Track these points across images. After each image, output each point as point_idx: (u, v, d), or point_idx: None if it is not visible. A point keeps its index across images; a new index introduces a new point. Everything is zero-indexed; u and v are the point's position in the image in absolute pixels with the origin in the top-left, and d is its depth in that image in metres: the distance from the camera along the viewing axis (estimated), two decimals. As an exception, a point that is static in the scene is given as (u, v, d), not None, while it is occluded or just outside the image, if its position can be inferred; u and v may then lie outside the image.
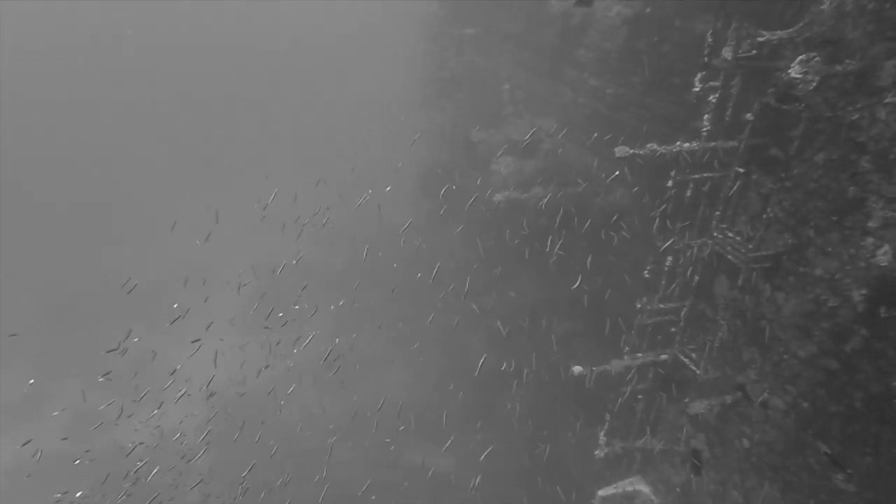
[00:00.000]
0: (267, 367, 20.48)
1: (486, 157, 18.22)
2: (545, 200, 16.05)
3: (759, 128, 8.81)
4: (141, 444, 19.34)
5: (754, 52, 8.21)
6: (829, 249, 8.14)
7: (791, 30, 8.09)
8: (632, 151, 8.78)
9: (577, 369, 10.42)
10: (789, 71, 7.69)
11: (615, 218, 12.72)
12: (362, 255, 21.39)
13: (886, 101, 7.39)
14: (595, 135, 15.88)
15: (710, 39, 8.38)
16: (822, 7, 7.96)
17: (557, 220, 15.60)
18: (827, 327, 8.20)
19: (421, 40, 23.55)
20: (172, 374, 16.98)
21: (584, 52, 16.55)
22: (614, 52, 15.21)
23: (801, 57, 7.54)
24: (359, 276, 23.47)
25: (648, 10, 13.97)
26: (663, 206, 9.54)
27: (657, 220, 9.98)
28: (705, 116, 8.89)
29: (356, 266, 23.84)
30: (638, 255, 13.75)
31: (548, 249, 15.68)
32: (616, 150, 8.85)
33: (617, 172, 13.44)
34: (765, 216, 8.92)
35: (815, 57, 7.42)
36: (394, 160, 22.16)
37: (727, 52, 8.32)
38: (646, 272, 10.20)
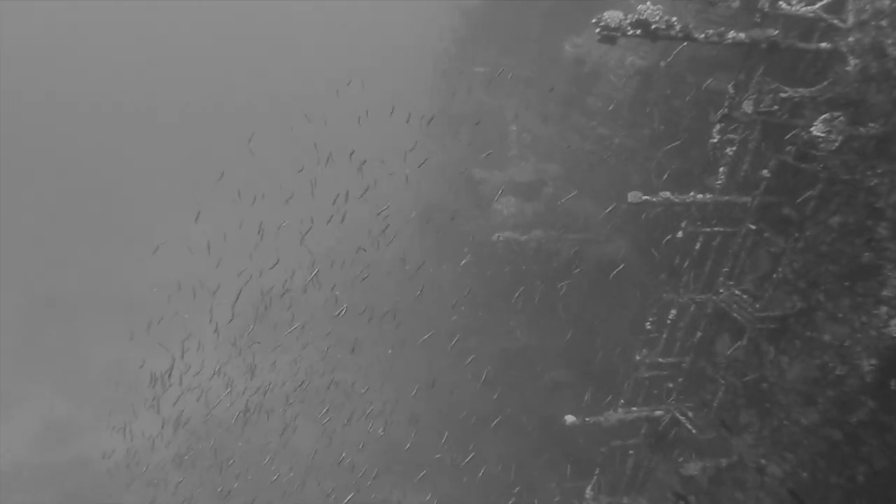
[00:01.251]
0: (243, 391, 19.93)
1: (487, 197, 18.09)
2: (544, 244, 15.88)
3: (774, 185, 8.66)
4: (109, 457, 18.71)
5: (776, 107, 8.09)
6: (840, 315, 7.90)
7: (814, 88, 7.99)
8: (645, 198, 8.58)
9: (569, 419, 10.04)
10: (811, 129, 7.56)
11: (619, 268, 12.47)
12: (351, 284, 21.08)
13: (907, 167, 7.26)
14: (600, 183, 15.81)
15: (731, 91, 8.26)
16: (847, 68, 7.88)
17: (556, 266, 15.40)
18: (832, 396, 7.90)
19: (431, 76, 23.63)
20: (153, 384, 16.45)
21: (593, 99, 16.56)
22: (625, 102, 15.22)
23: (824, 115, 7.42)
24: (347, 307, 23.04)
25: (662, 63, 14.00)
26: (675, 259, 9.29)
27: (662, 272, 9.75)
28: (720, 169, 8.73)
29: (345, 296, 23.42)
30: (635, 307, 13.52)
31: (540, 296, 15.44)
32: (629, 194, 8.65)
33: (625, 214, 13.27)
34: (774, 276, 8.69)
35: (839, 116, 7.29)
36: (395, 195, 21.99)
37: (748, 106, 8.20)
38: (647, 324, 9.91)
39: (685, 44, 13.58)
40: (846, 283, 7.81)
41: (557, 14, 18.09)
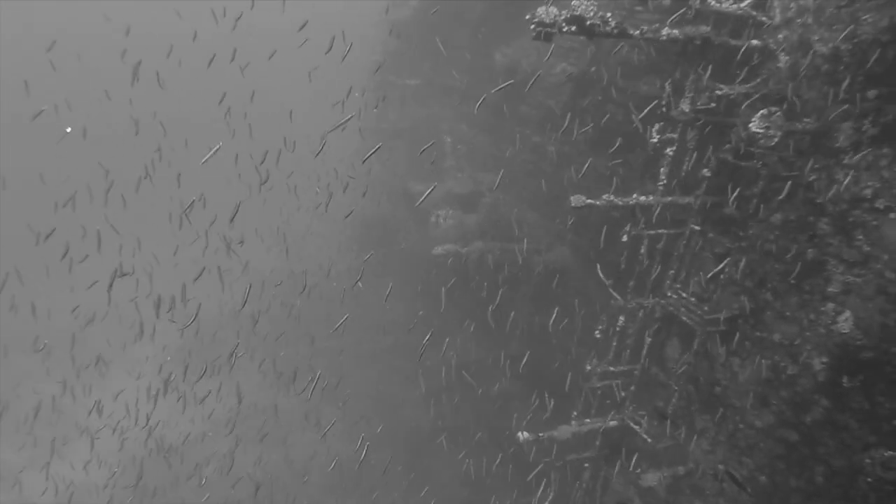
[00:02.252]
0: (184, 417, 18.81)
1: (425, 210, 17.62)
2: (486, 255, 15.49)
3: (715, 185, 8.46)
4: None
5: (713, 104, 7.89)
6: (788, 314, 7.71)
7: (748, 85, 7.83)
8: (588, 201, 8.24)
9: (522, 436, 9.59)
10: (749, 126, 7.36)
11: (560, 276, 12.15)
12: (294, 303, 20.26)
13: (844, 162, 7.13)
14: (538, 191, 15.54)
15: (668, 89, 8.03)
16: (779, 65, 7.75)
17: (499, 277, 15.01)
18: (786, 396, 7.69)
19: (363, 89, 23.07)
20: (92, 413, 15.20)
21: (526, 108, 16.34)
22: (558, 109, 15.02)
23: (762, 111, 7.23)
24: (288, 326, 22.18)
25: (593, 69, 13.86)
26: (620, 264, 8.98)
27: (608, 278, 9.42)
28: (661, 170, 8.48)
29: (286, 315, 22.51)
30: (582, 315, 13.23)
31: (485, 307, 15.04)
32: (572, 198, 8.30)
33: (566, 221, 12.99)
34: (720, 277, 8.48)
35: (776, 112, 7.11)
36: (332, 210, 21.32)
37: (685, 104, 7.98)
38: (596, 332, 9.57)
39: (617, 48, 13.69)
40: (792, 281, 7.64)
41: (486, 24, 17.86)
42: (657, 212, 8.85)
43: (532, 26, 7.49)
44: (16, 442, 20.49)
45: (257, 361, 21.60)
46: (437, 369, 17.45)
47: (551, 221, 14.95)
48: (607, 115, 13.05)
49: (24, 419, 21.15)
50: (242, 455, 18.53)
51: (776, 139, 7.13)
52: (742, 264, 8.26)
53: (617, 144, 11.81)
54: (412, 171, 19.64)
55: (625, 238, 8.85)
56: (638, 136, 12.11)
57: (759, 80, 7.84)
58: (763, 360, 7.85)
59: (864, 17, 7.02)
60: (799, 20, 7.77)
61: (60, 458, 19.31)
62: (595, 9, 7.38)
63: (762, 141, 7.26)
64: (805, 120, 7.35)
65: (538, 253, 14.52)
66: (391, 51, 21.44)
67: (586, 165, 13.18)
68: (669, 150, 8.44)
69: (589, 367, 9.60)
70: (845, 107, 7.12)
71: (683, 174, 8.64)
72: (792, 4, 7.86)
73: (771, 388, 7.85)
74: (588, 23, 7.35)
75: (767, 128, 7.14)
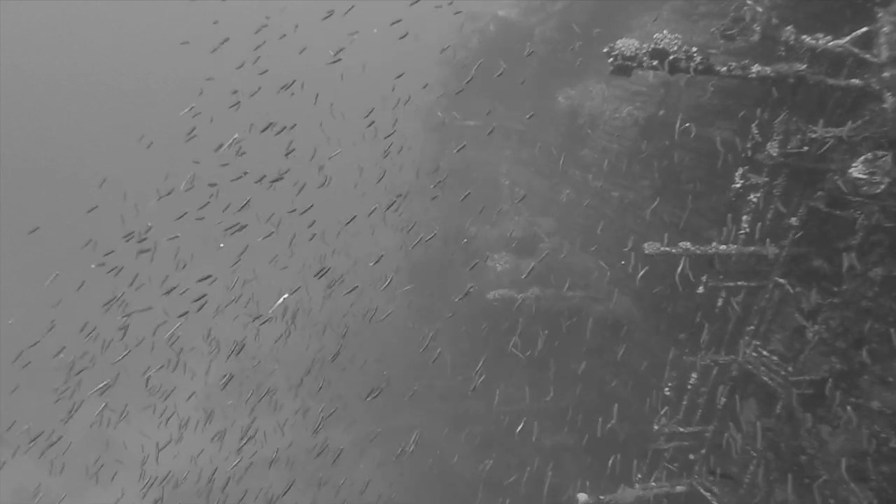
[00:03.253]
0: (233, 456, 18.43)
1: (481, 253, 17.13)
2: (542, 302, 14.84)
3: (803, 235, 7.73)
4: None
5: (805, 148, 7.23)
6: (891, 379, 6.85)
7: (848, 128, 7.15)
8: (664, 249, 7.61)
9: (581, 497, 8.79)
10: (850, 171, 6.67)
11: (625, 328, 11.40)
12: (339, 345, 19.86)
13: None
14: (599, 238, 14.91)
15: (754, 131, 7.41)
16: (884, 106, 7.06)
17: (555, 324, 14.32)
18: (888, 472, 6.78)
19: (422, 129, 22.99)
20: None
21: (588, 152, 15.83)
22: (622, 153, 14.47)
23: (866, 155, 6.54)
24: (334, 368, 21.74)
25: (662, 112, 13.31)
26: (695, 317, 8.26)
27: (679, 332, 8.70)
28: (744, 217, 7.80)
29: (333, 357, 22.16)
30: (643, 369, 12.42)
31: (539, 355, 14.33)
32: (645, 245, 7.68)
33: (627, 269, 12.30)
34: (809, 335, 7.67)
35: (884, 156, 6.41)
36: (386, 249, 21.07)
37: (773, 148, 7.34)
38: (666, 390, 8.79)
39: (682, 93, 13.13)
40: (894, 343, 6.80)
41: (549, 66, 17.55)
42: (736, 261, 8.15)
43: (610, 59, 7.02)
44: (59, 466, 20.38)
45: (306, 399, 21.25)
46: (485, 416, 16.71)
47: (612, 269, 14.26)
48: (676, 161, 12.45)
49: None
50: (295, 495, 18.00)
51: (883, 186, 6.41)
52: (834, 322, 7.45)
53: (689, 190, 11.19)
54: (468, 213, 19.22)
55: (701, 289, 8.13)
56: (710, 183, 11.47)
57: (860, 122, 7.16)
58: (860, 430, 6.98)
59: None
60: (905, 59, 7.11)
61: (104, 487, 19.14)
62: (679, 42, 6.88)
63: (865, 188, 6.55)
64: (914, 165, 6.62)
65: (598, 301, 13.82)
66: (450, 91, 21.33)
67: (651, 209, 12.56)
68: (753, 196, 7.77)
69: (656, 427, 8.80)
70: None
71: (768, 222, 7.93)
72: (897, 42, 7.21)
73: (869, 461, 6.95)
74: (671, 57, 6.85)
75: (873, 173, 6.44)
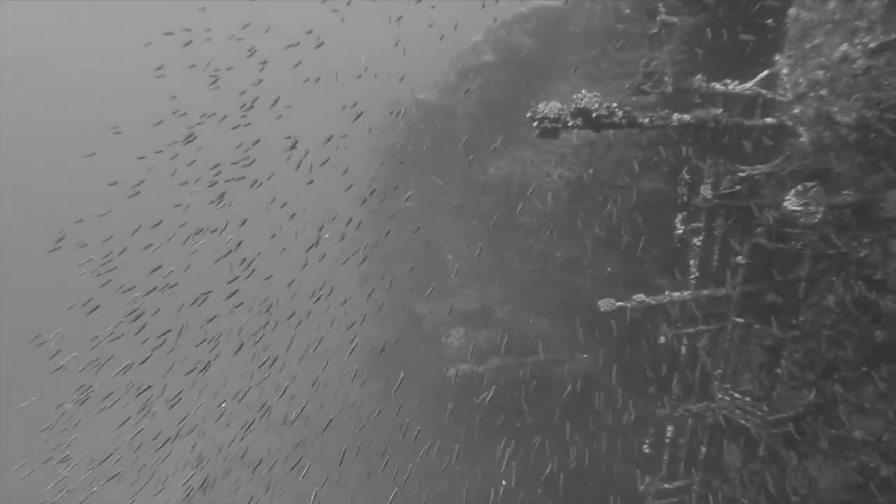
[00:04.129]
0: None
1: (435, 330, 16.67)
2: (503, 372, 14.39)
3: (752, 271, 7.63)
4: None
5: (737, 187, 7.21)
6: (867, 406, 6.64)
7: (773, 164, 7.19)
8: (619, 304, 7.35)
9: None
10: (784, 204, 6.64)
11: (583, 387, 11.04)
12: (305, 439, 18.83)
13: (899, 230, 6.35)
14: (548, 299, 14.70)
15: (686, 177, 7.37)
16: (801, 140, 7.15)
17: (520, 392, 13.84)
18: (887, 503, 6.47)
19: (360, 215, 22.76)
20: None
21: (527, 217, 15.82)
22: (559, 215, 14.49)
23: (797, 188, 6.52)
24: (305, 461, 20.50)
25: (591, 171, 13.45)
26: (661, 368, 7.97)
27: (647, 385, 8.39)
28: (691, 262, 7.67)
29: (299, 451, 20.88)
30: (623, 424, 11.99)
31: (509, 426, 13.77)
32: (600, 303, 7.41)
33: (583, 328, 12.04)
34: (777, 371, 7.46)
35: (813, 187, 6.40)
36: (336, 340, 20.28)
37: (706, 191, 7.30)
38: (645, 447, 8.38)
39: (609, 148, 13.35)
40: (864, 369, 6.63)
41: (476, 140, 17.71)
42: (692, 307, 7.97)
43: (535, 123, 6.91)
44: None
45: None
46: (468, 492, 15.84)
47: (567, 329, 14.00)
48: (613, 215, 12.48)
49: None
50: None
51: (819, 216, 6.37)
52: (798, 355, 7.28)
53: (631, 241, 11.14)
54: (417, 292, 18.83)
55: (662, 340, 7.89)
56: (650, 232, 11.48)
57: (782, 157, 7.21)
58: (847, 462, 6.69)
59: (886, 83, 6.50)
60: (812, 94, 7.26)
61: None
62: (599, 100, 6.85)
63: (802, 219, 6.50)
64: (844, 192, 6.64)
65: (559, 363, 13.47)
66: (383, 176, 21.28)
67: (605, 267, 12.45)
68: (696, 241, 7.68)
69: (642, 487, 8.33)
70: (885, 175, 6.44)
71: (715, 264, 7.83)
72: (801, 80, 7.38)
73: (863, 494, 6.64)
74: (594, 115, 6.79)
75: (806, 204, 6.41)
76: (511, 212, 16.25)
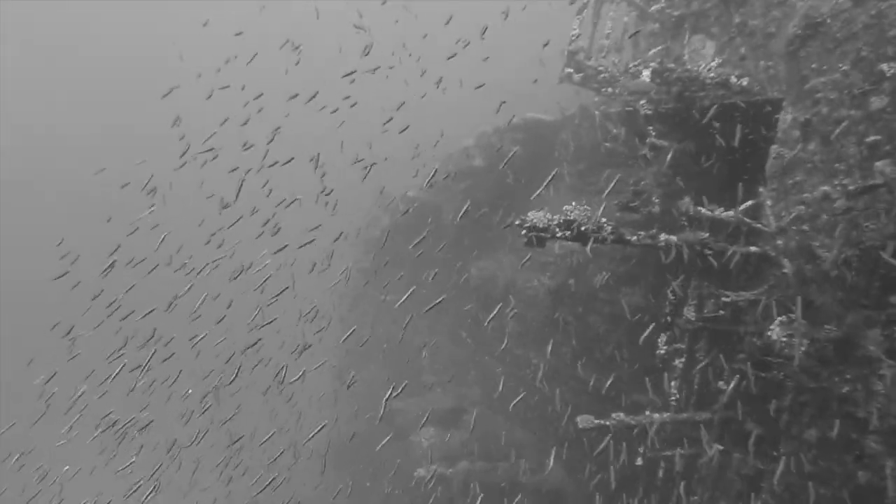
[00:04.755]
0: None
1: (405, 428, 16.05)
2: (472, 476, 13.74)
3: (733, 398, 7.45)
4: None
5: (721, 311, 7.15)
6: (850, 549, 6.31)
7: (757, 291, 7.18)
8: (597, 422, 7.09)
9: None
10: (769, 333, 6.56)
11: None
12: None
13: (881, 372, 6.26)
14: (526, 407, 14.28)
15: (671, 297, 7.32)
16: (784, 271, 7.17)
17: (488, 500, 13.16)
18: None
19: (339, 307, 22.48)
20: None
21: (505, 321, 15.65)
22: (538, 321, 14.35)
23: (781, 318, 6.47)
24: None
25: (572, 280, 13.44)
26: (638, 490, 7.60)
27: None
28: (672, 384, 7.48)
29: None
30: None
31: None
32: (579, 419, 7.14)
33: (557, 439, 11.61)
34: (758, 502, 7.13)
35: (798, 318, 6.36)
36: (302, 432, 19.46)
37: (690, 312, 7.23)
38: (618, 578, 7.86)
39: (590, 261, 13.41)
40: (846, 510, 6.35)
41: (461, 240, 17.81)
42: (671, 429, 7.72)
43: (523, 232, 6.89)
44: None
45: None
46: None
47: (542, 439, 13.54)
48: (593, 327, 12.38)
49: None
50: None
51: (803, 348, 6.29)
52: (779, 489, 6.98)
53: (610, 355, 10.97)
54: (389, 389, 18.28)
55: (639, 462, 7.57)
56: (629, 348, 11.32)
57: (766, 286, 7.21)
58: None
59: (865, 224, 6.60)
60: (794, 227, 7.37)
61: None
62: (589, 214, 6.88)
63: (785, 350, 6.41)
64: (826, 327, 6.60)
65: (532, 472, 12.92)
66: (364, 269, 21.20)
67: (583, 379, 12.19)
68: (678, 362, 7.54)
69: None
70: (866, 313, 6.43)
71: (696, 387, 7.65)
72: (784, 214, 7.51)
73: None
74: (583, 228, 6.80)
75: (790, 335, 6.34)
76: (491, 314, 16.10)
